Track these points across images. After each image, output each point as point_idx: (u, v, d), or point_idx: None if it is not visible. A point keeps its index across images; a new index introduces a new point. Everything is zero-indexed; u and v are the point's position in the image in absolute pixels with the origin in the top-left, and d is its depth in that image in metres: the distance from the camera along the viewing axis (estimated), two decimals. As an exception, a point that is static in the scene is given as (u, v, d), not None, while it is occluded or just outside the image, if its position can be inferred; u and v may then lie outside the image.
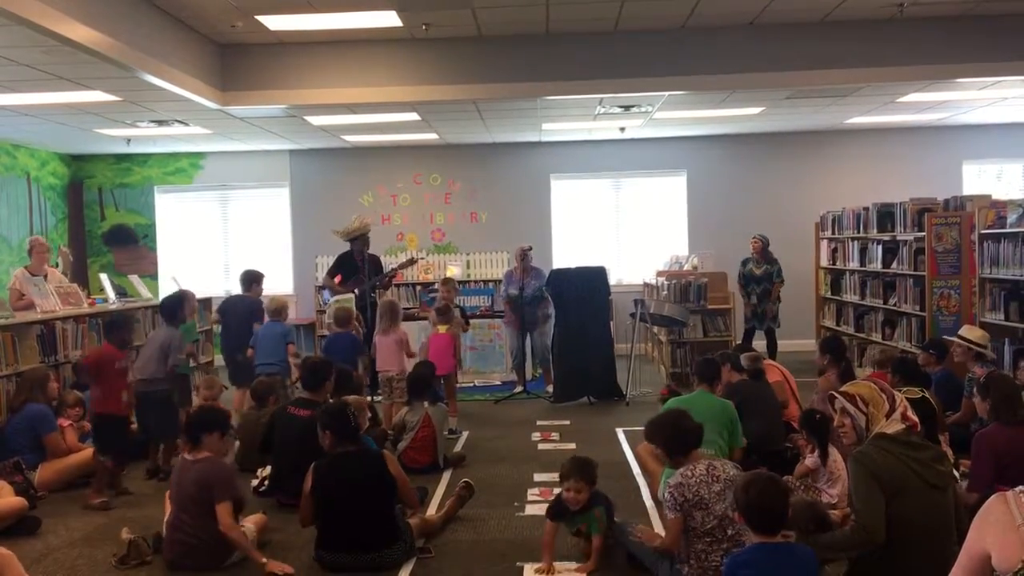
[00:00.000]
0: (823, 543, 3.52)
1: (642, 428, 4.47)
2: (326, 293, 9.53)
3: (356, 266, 8.98)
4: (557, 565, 4.39)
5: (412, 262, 10.19)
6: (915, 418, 3.55)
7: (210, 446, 4.71)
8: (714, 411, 5.32)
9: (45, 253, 8.21)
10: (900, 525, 3.37)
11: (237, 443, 6.66)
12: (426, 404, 6.51)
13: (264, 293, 8.58)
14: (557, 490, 4.54)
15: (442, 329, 8.07)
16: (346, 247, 9.24)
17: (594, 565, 4.36)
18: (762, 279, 10.35)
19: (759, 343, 10.21)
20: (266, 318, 8.12)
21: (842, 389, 3.75)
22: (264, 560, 4.46)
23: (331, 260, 11.46)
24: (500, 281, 11.31)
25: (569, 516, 4.39)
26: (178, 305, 7.02)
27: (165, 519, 4.71)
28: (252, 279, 8.41)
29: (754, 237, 10.56)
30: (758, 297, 10.34)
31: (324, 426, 4.75)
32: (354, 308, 8.44)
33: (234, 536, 4.51)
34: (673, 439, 4.18)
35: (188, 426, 4.80)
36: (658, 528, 4.64)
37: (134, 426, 7.32)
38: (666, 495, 4.03)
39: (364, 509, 4.51)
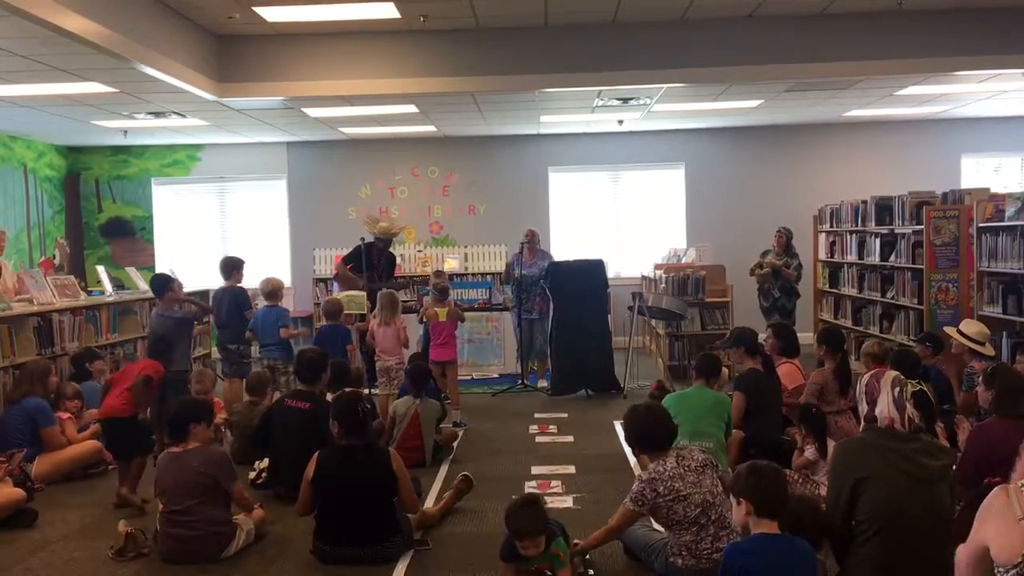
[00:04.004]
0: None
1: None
2: (335, 285, 9.63)
3: (373, 262, 9.16)
4: None
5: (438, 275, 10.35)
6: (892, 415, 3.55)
7: (197, 436, 4.74)
8: (711, 404, 5.35)
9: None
10: (880, 518, 3.37)
11: (229, 435, 6.66)
12: (417, 401, 6.50)
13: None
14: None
15: (442, 315, 8.05)
16: (354, 234, 9.41)
17: None
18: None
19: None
20: (259, 303, 8.07)
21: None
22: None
23: (329, 252, 11.54)
24: (498, 274, 11.33)
25: (524, 560, 3.90)
26: (168, 283, 7.12)
27: (158, 515, 4.70)
28: (231, 266, 8.14)
29: (778, 230, 10.17)
30: (780, 290, 9.94)
31: (334, 417, 4.77)
32: (365, 301, 8.66)
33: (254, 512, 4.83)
34: (645, 437, 4.18)
35: (174, 420, 4.77)
36: (656, 523, 4.62)
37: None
38: (634, 486, 4.01)
39: (365, 503, 4.51)
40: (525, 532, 3.80)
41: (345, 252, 9.98)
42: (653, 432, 4.17)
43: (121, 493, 5.53)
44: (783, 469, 5.03)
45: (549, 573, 3.86)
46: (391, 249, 10.07)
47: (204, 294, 9.49)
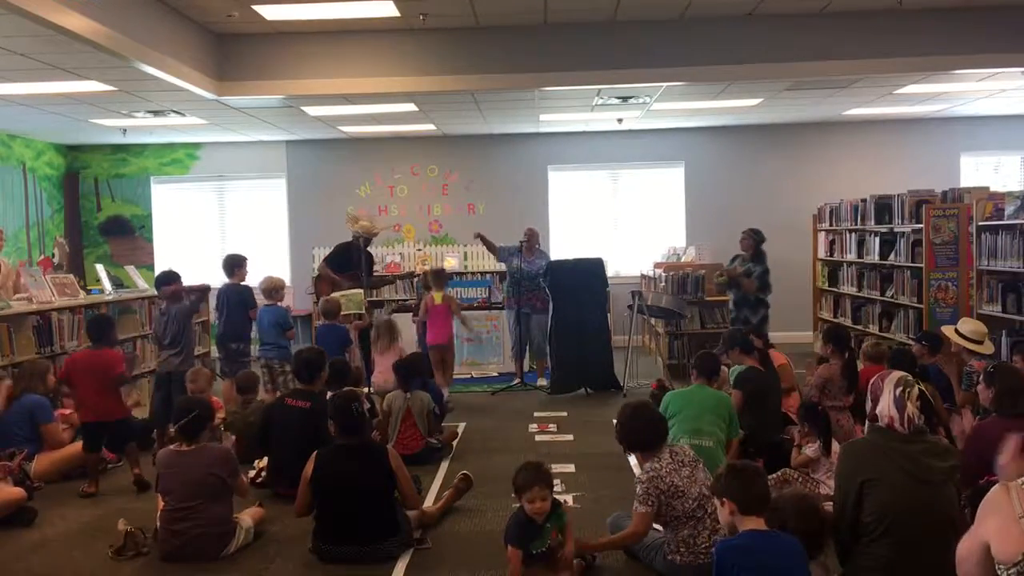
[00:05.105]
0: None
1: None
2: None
3: (356, 261, 9.16)
4: None
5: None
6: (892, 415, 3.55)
7: (203, 436, 4.79)
8: (712, 403, 5.33)
9: None
10: (886, 519, 3.37)
11: (231, 435, 6.63)
12: (407, 394, 6.48)
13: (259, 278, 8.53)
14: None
15: (438, 298, 8.07)
16: (346, 234, 9.34)
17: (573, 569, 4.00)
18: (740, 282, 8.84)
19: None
20: (260, 301, 8.06)
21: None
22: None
23: (328, 251, 11.47)
24: (497, 273, 11.33)
25: (535, 533, 3.89)
26: (175, 279, 7.17)
27: (159, 513, 4.69)
28: (233, 264, 8.04)
29: (744, 232, 9.05)
30: (734, 303, 8.97)
31: (330, 416, 4.79)
32: (363, 300, 8.68)
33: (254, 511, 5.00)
34: (635, 437, 4.21)
35: (189, 423, 4.73)
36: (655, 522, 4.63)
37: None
38: (638, 489, 4.03)
39: (363, 501, 4.51)
40: (532, 482, 3.87)
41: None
42: (642, 433, 4.21)
43: (136, 473, 5.91)
44: (780, 470, 5.06)
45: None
46: (369, 248, 10.03)
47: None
